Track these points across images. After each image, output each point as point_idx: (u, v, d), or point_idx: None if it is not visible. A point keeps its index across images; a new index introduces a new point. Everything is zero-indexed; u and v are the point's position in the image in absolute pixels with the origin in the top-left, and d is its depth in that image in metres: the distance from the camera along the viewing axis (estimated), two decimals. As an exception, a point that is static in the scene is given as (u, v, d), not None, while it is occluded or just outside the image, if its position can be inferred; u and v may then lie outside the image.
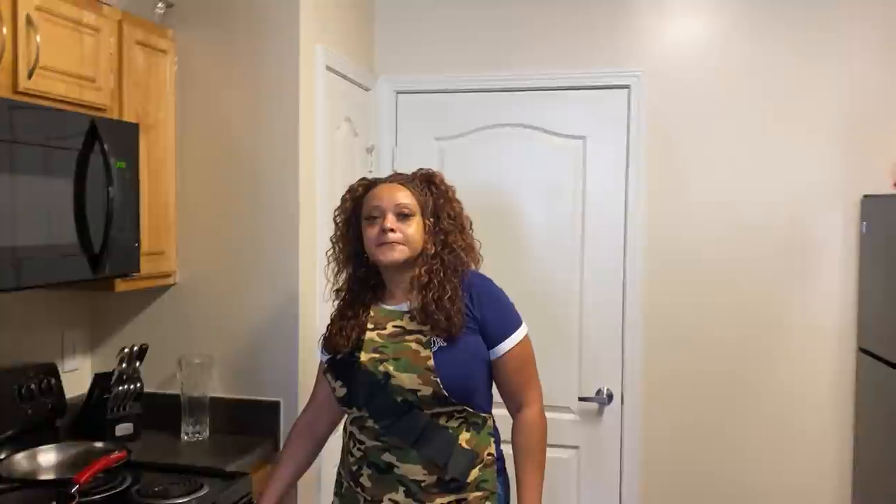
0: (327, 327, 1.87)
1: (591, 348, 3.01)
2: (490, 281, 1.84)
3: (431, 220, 1.79)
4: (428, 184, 1.83)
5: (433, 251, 1.77)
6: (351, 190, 1.87)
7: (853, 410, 2.84)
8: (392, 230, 1.74)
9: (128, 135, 2.08)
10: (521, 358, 1.80)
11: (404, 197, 1.77)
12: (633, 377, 2.98)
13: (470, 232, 1.86)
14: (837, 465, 2.87)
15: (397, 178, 1.84)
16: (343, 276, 1.88)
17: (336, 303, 1.89)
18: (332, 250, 1.88)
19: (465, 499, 1.74)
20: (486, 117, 3.07)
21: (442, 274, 1.74)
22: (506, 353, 1.78)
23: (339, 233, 1.87)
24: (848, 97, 2.81)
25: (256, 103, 2.41)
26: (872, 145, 2.79)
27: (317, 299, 2.50)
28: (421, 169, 1.88)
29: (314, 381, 2.41)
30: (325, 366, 1.85)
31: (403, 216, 1.76)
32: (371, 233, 1.77)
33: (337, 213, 1.87)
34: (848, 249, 2.83)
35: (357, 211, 1.83)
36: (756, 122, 2.87)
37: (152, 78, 2.27)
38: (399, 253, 1.75)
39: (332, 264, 1.88)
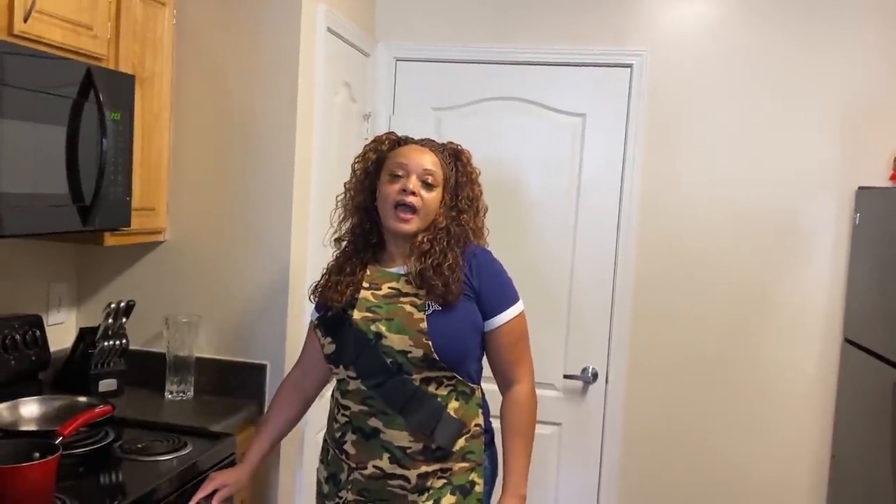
0: (322, 277, 1.85)
1: (579, 327, 3.01)
2: (492, 255, 1.83)
3: (449, 195, 1.77)
4: (455, 159, 1.81)
5: (443, 224, 1.75)
6: (377, 141, 1.84)
7: (834, 399, 2.87)
8: (413, 193, 1.71)
9: (124, 86, 2.04)
10: (515, 334, 1.79)
11: (432, 163, 1.75)
12: (619, 357, 2.99)
13: (483, 218, 1.84)
14: (815, 452, 2.90)
15: (429, 144, 1.80)
16: (347, 224, 1.85)
17: (334, 252, 1.87)
18: (343, 195, 1.85)
19: (449, 468, 1.73)
20: (485, 90, 3.04)
21: (445, 243, 1.73)
22: (500, 326, 1.77)
23: (354, 180, 1.84)
24: (848, 88, 2.81)
25: (255, 61, 2.36)
26: (870, 137, 2.79)
27: (308, 263, 2.48)
28: (451, 142, 1.85)
29: (302, 345, 2.42)
30: (316, 322, 1.84)
31: (427, 184, 1.74)
32: (390, 190, 1.74)
33: (357, 160, 1.84)
34: (839, 240, 2.84)
35: (379, 164, 1.80)
36: (756, 108, 2.87)
37: (150, 30, 2.22)
38: (412, 224, 1.73)
39: (340, 210, 1.86)
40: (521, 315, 1.80)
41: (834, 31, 2.81)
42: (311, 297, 1.86)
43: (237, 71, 2.38)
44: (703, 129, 2.91)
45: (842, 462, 2.81)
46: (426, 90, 3.08)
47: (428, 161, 1.75)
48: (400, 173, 1.73)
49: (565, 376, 3.02)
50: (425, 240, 1.73)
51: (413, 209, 1.72)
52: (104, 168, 1.90)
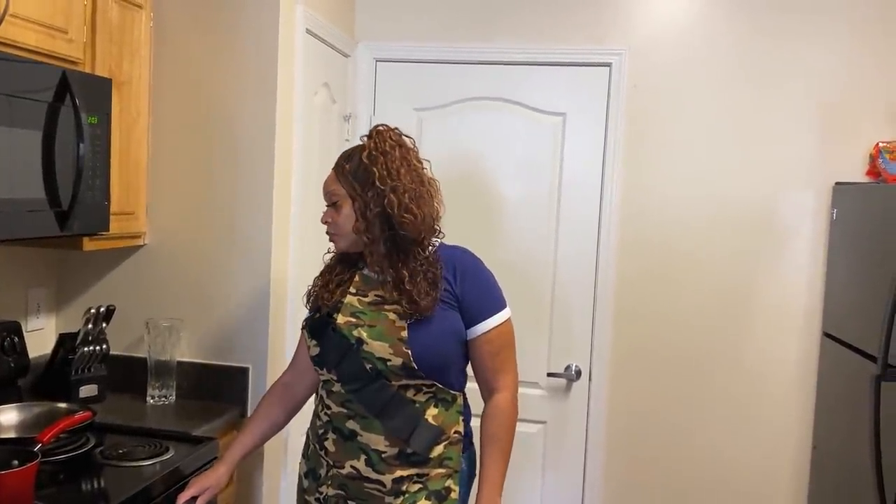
0: (314, 281, 1.84)
1: (562, 325, 3.03)
2: (477, 259, 1.79)
3: (369, 192, 1.66)
4: (361, 150, 1.70)
5: (375, 234, 1.67)
6: None
7: (814, 392, 2.90)
8: (326, 222, 1.74)
9: (100, 90, 2.02)
10: (499, 342, 1.75)
11: (330, 183, 1.74)
12: (601, 355, 3.00)
13: (419, 186, 1.68)
14: (796, 444, 2.93)
15: (340, 157, 1.76)
16: None
17: (325, 256, 1.87)
18: None
19: (426, 474, 1.72)
20: (466, 90, 3.04)
21: (394, 255, 1.69)
22: (482, 334, 1.73)
23: None
24: (824, 85, 2.83)
25: (234, 64, 2.35)
26: (846, 133, 2.83)
27: (289, 265, 2.48)
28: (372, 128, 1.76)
29: (285, 347, 2.41)
30: (304, 323, 1.83)
31: (333, 203, 1.73)
32: None
33: None
34: (817, 235, 2.87)
35: None
36: (734, 105, 2.89)
37: (127, 33, 2.21)
38: (338, 244, 1.76)
39: None
40: (506, 323, 1.76)
41: (810, 29, 2.83)
42: (305, 300, 1.85)
43: (216, 73, 2.37)
44: (681, 127, 2.93)
45: (823, 453, 2.84)
46: (407, 91, 3.08)
47: (326, 183, 1.75)
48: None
49: (549, 374, 3.03)
50: (373, 262, 1.71)
51: (332, 233, 1.75)
52: (81, 172, 1.88)
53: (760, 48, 2.86)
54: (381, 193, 1.65)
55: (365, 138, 1.73)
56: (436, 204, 1.72)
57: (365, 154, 1.69)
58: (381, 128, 1.73)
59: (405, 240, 1.68)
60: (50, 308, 2.47)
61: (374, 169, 1.66)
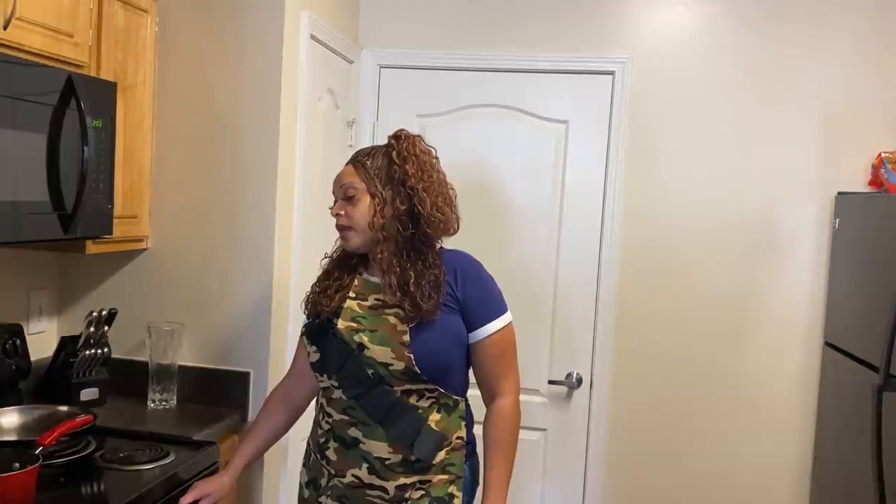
0: (311, 287, 1.84)
1: (563, 332, 3.02)
2: (478, 263, 1.79)
3: (390, 191, 1.69)
4: (388, 149, 1.73)
5: (390, 232, 1.69)
6: None
7: (816, 402, 2.89)
8: (338, 214, 1.73)
9: (105, 93, 2.02)
10: (501, 346, 1.75)
11: (348, 176, 1.73)
12: (603, 363, 3.00)
13: (444, 189, 1.73)
14: (798, 455, 2.93)
15: (358, 154, 1.78)
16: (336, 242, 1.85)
17: (322, 262, 1.87)
18: None
19: (429, 480, 1.72)
20: (469, 97, 3.05)
21: (404, 255, 1.69)
22: (484, 338, 1.73)
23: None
24: (827, 94, 2.84)
25: (238, 69, 2.36)
26: (849, 142, 2.83)
27: (291, 271, 2.48)
28: (395, 132, 1.78)
29: (286, 353, 2.41)
30: (303, 329, 1.83)
31: (349, 197, 1.71)
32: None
33: None
34: (820, 245, 2.87)
35: None
36: (736, 114, 2.90)
37: (132, 37, 2.22)
38: (351, 240, 1.73)
39: None
40: (507, 327, 1.76)
41: (813, 38, 2.84)
42: (304, 306, 1.85)
43: (220, 78, 2.37)
44: (684, 135, 2.93)
45: (824, 463, 2.83)
46: (410, 97, 3.08)
47: (343, 176, 1.74)
48: (333, 199, 1.76)
49: (550, 382, 3.03)
50: (381, 257, 1.70)
51: (345, 227, 1.73)
52: (86, 176, 1.89)
53: (763, 58, 2.87)
54: (411, 192, 1.68)
55: (392, 139, 1.74)
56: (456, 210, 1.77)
57: (395, 153, 1.71)
58: (406, 132, 1.75)
59: (423, 241, 1.70)
60: (52, 311, 2.47)
61: (406, 167, 1.69)
